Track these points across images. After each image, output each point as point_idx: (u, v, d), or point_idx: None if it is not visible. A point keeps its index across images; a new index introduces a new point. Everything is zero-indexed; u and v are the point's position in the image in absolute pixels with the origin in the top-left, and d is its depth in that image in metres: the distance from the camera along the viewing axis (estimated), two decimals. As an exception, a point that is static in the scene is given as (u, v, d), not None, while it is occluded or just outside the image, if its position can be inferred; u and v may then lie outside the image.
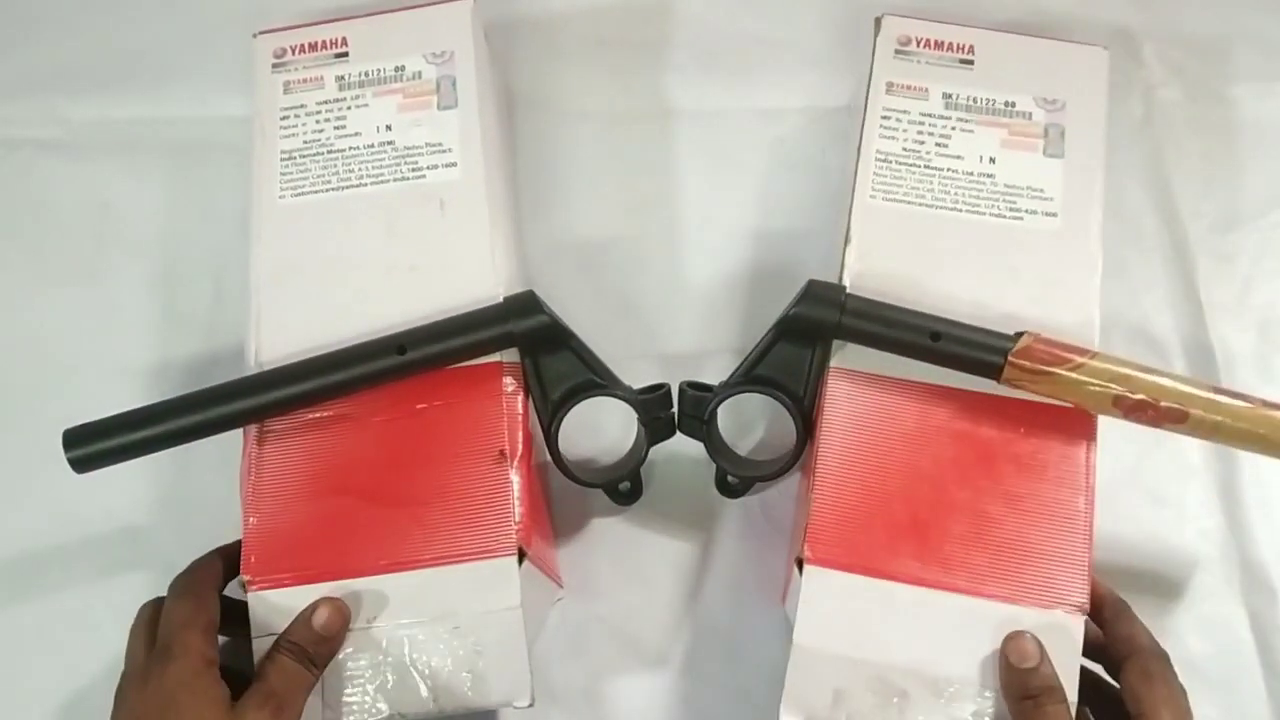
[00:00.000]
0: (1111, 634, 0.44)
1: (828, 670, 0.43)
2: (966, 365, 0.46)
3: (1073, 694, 0.42)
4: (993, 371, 0.45)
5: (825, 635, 0.43)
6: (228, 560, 0.46)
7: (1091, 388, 0.44)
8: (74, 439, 0.45)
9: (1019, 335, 0.45)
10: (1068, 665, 0.42)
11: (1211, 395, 0.44)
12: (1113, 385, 0.44)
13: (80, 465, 0.45)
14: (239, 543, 0.46)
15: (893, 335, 0.46)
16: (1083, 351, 0.45)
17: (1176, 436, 0.53)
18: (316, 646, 0.43)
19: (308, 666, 0.43)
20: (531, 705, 0.44)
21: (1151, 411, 0.44)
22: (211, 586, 0.45)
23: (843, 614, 0.44)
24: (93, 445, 0.45)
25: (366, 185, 0.51)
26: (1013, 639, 0.43)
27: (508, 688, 0.44)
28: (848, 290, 0.48)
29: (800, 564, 0.44)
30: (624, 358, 0.50)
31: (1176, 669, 0.50)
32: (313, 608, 0.44)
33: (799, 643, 0.43)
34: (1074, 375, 0.44)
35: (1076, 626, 0.43)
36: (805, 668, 0.43)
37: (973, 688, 0.43)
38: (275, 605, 0.44)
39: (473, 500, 0.45)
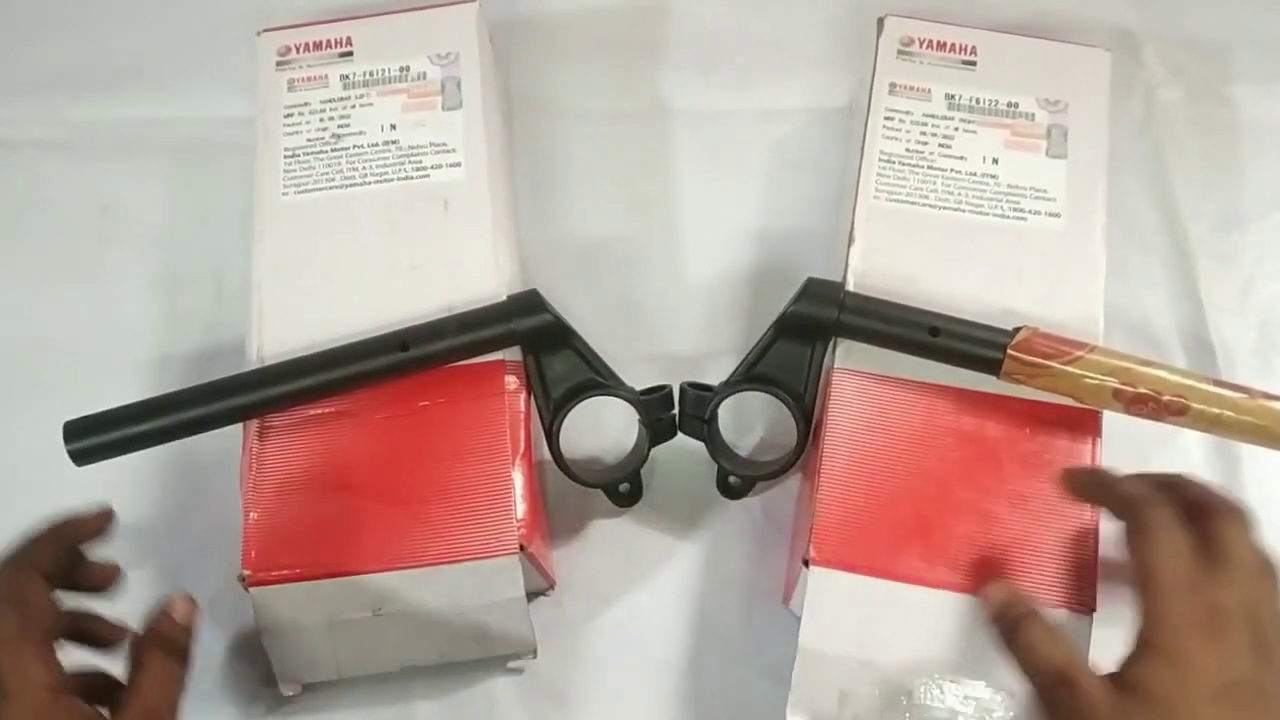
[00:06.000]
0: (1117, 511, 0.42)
1: (834, 671, 0.43)
2: (966, 360, 0.46)
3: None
4: (992, 366, 0.45)
5: (831, 636, 0.43)
6: (62, 536, 0.41)
7: (1090, 381, 0.44)
8: (74, 431, 0.45)
9: (1018, 330, 0.46)
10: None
11: (1212, 388, 0.44)
12: (1112, 378, 0.44)
13: (80, 458, 0.45)
14: (77, 517, 0.42)
15: (891, 331, 0.46)
16: (1081, 345, 0.45)
17: (1178, 436, 0.53)
18: (184, 637, 0.40)
19: (180, 663, 0.40)
20: (535, 657, 0.48)
21: (1152, 404, 0.44)
22: (38, 581, 0.38)
23: (848, 615, 0.44)
24: (93, 438, 0.45)
25: (370, 184, 0.51)
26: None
27: (512, 646, 0.47)
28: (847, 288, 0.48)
29: (806, 564, 0.44)
30: (624, 358, 0.50)
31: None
32: (168, 600, 0.41)
33: (805, 644, 0.43)
34: (1073, 369, 0.44)
35: (1084, 626, 0.43)
36: (811, 668, 0.43)
37: (980, 688, 0.43)
38: (274, 602, 0.44)
39: (474, 498, 0.45)
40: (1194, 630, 0.37)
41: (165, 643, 0.40)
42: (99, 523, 0.42)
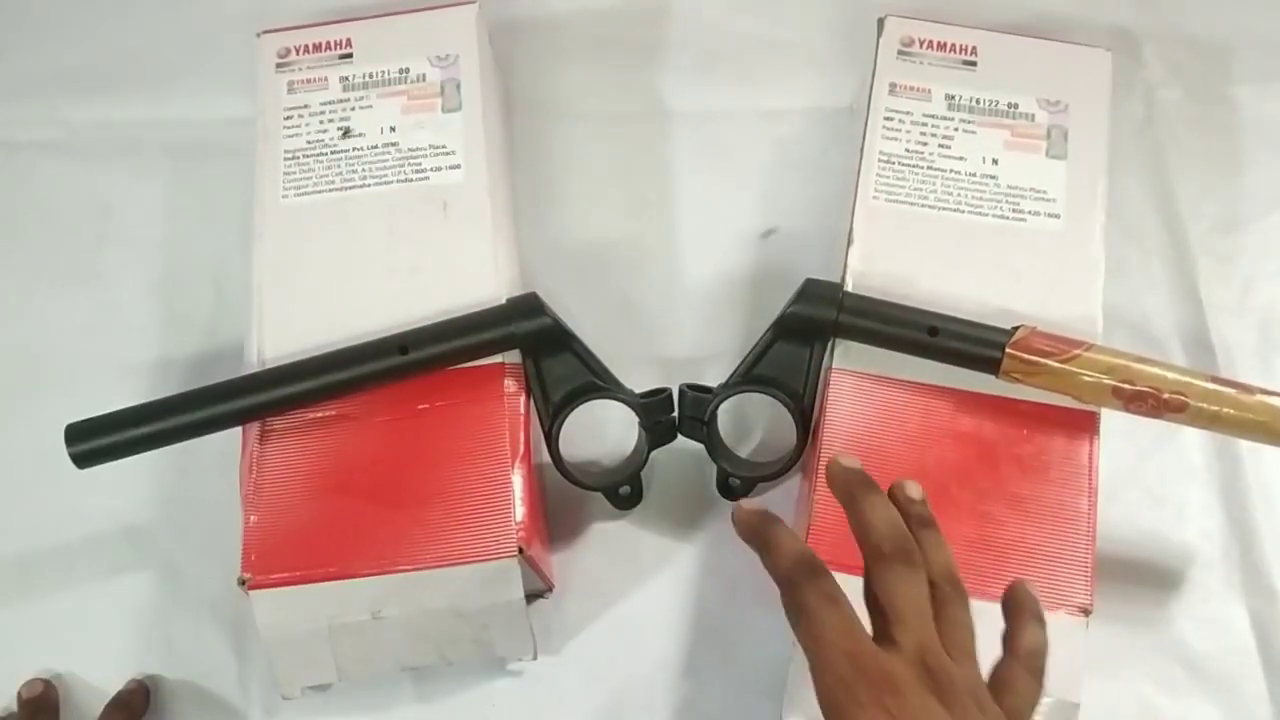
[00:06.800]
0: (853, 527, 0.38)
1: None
2: (965, 360, 0.46)
3: (1077, 695, 0.42)
4: (991, 365, 0.45)
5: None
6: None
7: (1089, 378, 0.44)
8: (76, 434, 0.45)
9: (1016, 328, 0.46)
10: (1072, 667, 0.42)
11: (1211, 384, 0.44)
12: (1111, 375, 0.44)
13: (82, 461, 0.45)
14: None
15: (890, 331, 0.46)
16: (1080, 343, 0.45)
17: (1177, 436, 0.53)
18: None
19: None
20: (534, 659, 0.48)
21: (1152, 401, 0.44)
22: None
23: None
24: (94, 441, 0.45)
25: (369, 186, 0.51)
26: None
27: (512, 648, 0.47)
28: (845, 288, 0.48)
29: (803, 564, 0.44)
30: (624, 361, 0.50)
31: (1177, 669, 0.51)
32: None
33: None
34: (1071, 367, 0.44)
35: (1079, 628, 0.43)
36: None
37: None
38: (274, 605, 0.44)
39: (473, 501, 0.45)
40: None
41: None
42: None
